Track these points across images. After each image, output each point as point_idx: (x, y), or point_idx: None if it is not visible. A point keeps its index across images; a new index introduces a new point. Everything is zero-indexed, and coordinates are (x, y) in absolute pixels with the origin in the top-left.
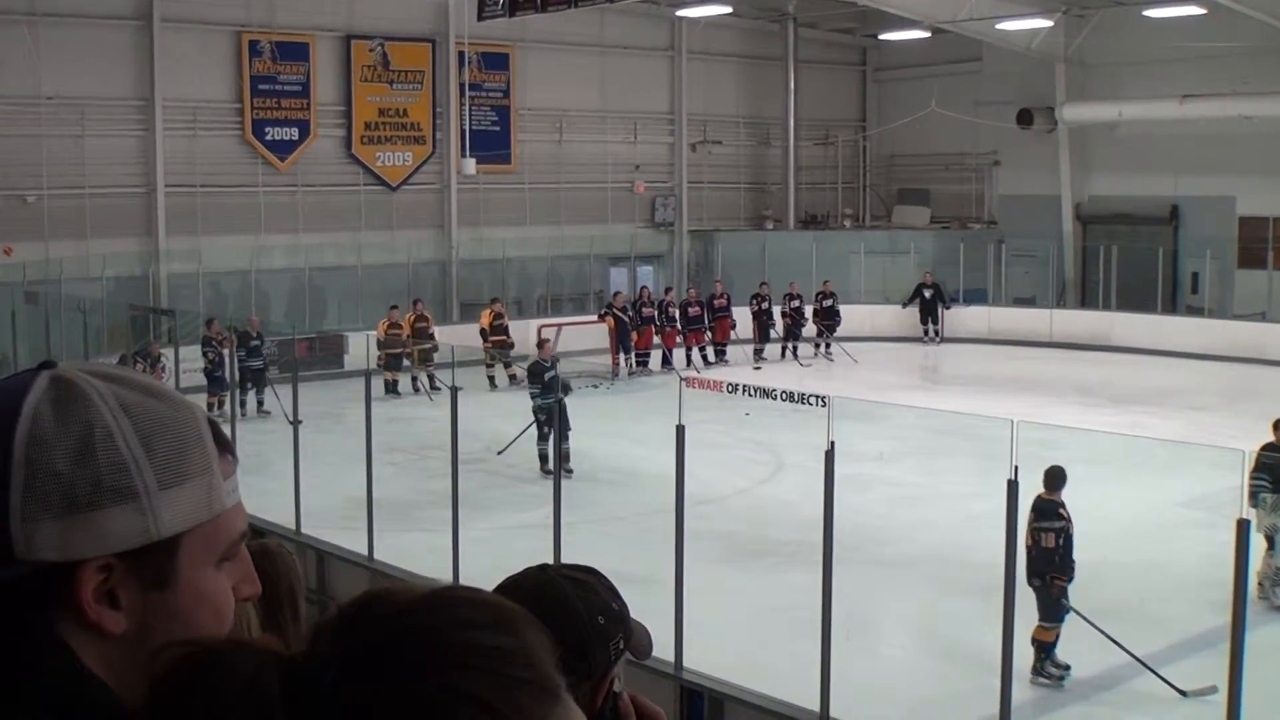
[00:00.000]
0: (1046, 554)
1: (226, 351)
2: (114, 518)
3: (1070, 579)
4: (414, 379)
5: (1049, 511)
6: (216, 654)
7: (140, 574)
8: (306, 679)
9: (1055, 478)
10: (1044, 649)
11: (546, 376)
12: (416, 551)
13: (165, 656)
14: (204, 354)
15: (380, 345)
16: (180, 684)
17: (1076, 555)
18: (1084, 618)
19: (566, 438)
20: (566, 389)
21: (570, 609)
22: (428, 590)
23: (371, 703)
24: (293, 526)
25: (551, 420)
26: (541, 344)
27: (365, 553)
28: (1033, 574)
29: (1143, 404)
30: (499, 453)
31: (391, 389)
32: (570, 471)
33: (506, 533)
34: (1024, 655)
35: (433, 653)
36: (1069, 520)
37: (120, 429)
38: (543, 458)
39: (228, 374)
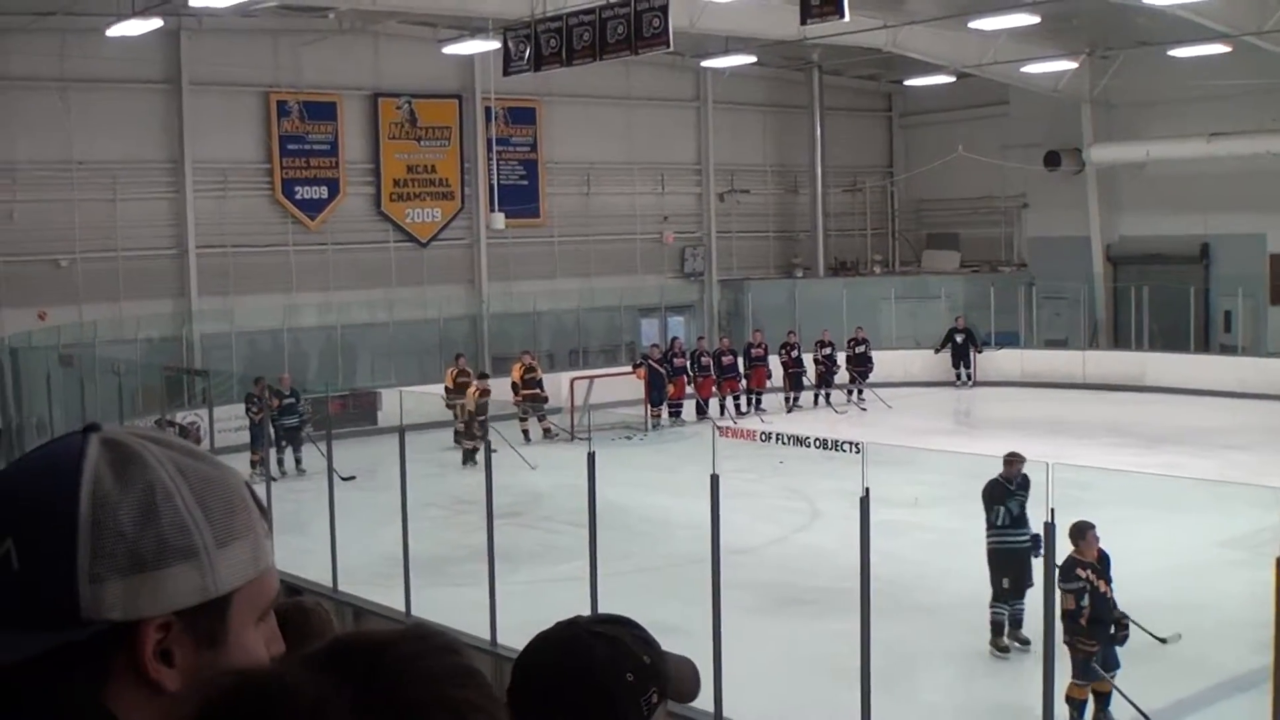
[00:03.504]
0: (1068, 615)
1: (273, 407)
2: (177, 576)
3: (1105, 637)
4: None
5: (1067, 570)
6: (278, 681)
7: (195, 632)
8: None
9: (1073, 534)
10: (1078, 707)
11: (1010, 504)
12: (453, 606)
13: (220, 684)
14: (248, 411)
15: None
16: (254, 707)
17: (1115, 595)
18: (1106, 678)
19: (1023, 594)
20: (1037, 543)
21: (596, 667)
22: (394, 631)
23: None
24: (329, 584)
25: (1010, 569)
26: (1011, 460)
27: (403, 609)
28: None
29: (1178, 444)
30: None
31: (469, 458)
32: (1028, 642)
33: (543, 585)
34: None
35: (428, 675)
36: (1090, 577)
37: (178, 489)
38: (997, 627)
39: (267, 431)
